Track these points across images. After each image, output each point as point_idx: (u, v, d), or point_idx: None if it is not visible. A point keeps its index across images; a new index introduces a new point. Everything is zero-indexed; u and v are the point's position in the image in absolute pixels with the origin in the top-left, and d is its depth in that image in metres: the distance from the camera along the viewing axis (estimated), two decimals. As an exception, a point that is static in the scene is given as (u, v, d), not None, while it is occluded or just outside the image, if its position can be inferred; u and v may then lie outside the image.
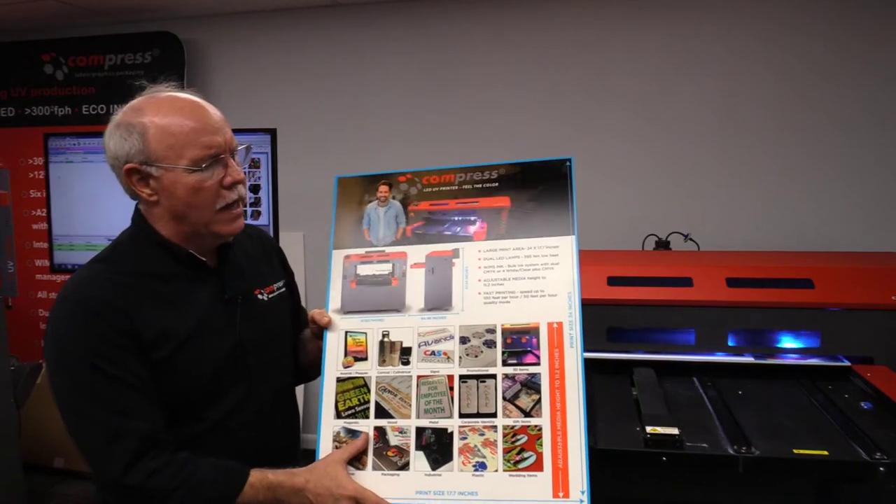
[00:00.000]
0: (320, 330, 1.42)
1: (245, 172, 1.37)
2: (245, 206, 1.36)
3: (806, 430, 1.63)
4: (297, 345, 1.55)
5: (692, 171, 3.45)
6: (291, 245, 3.87)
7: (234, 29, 4.04)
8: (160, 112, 1.27)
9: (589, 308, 2.14)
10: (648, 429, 1.57)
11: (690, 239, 3.23)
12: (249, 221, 3.42)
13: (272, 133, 3.38)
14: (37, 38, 4.25)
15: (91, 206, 3.86)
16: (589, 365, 2.06)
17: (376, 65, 3.84)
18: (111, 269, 1.30)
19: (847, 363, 1.99)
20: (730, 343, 2.09)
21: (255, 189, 3.46)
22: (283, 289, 1.52)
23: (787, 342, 2.08)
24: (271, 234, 3.27)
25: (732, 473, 1.48)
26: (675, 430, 1.55)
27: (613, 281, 2.20)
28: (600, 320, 2.15)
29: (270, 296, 1.45)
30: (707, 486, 1.65)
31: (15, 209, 3.93)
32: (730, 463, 1.48)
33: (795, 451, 1.49)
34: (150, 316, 1.25)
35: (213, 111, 1.31)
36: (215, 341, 1.32)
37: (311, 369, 1.47)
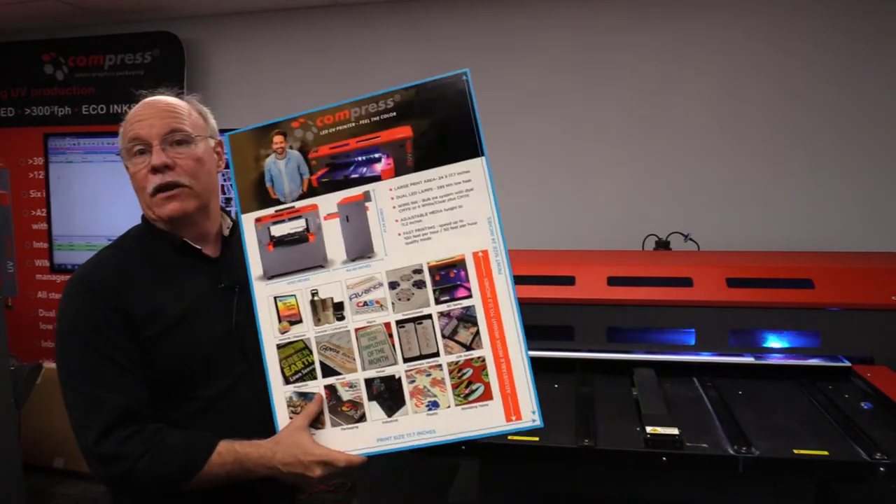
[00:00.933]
0: None
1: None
2: (195, 189, 1.38)
3: (806, 430, 1.63)
4: None
5: (692, 171, 3.45)
6: (291, 245, 3.87)
7: (234, 29, 4.04)
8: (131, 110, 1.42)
9: (589, 308, 2.17)
10: (648, 429, 1.57)
11: (690, 239, 3.23)
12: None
13: (272, 133, 3.38)
14: (37, 38, 4.25)
15: (91, 206, 3.87)
16: (589, 365, 2.07)
17: (376, 65, 3.84)
18: (118, 253, 1.41)
19: (847, 363, 1.99)
20: (730, 343, 2.09)
21: (255, 189, 3.47)
22: None
23: (787, 342, 2.09)
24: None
25: (732, 473, 1.49)
26: (675, 430, 1.55)
27: (613, 281, 2.20)
28: (600, 320, 2.16)
29: None
30: (707, 486, 1.65)
31: (15, 209, 3.93)
32: (730, 463, 1.48)
33: (795, 451, 1.49)
34: (145, 297, 1.34)
35: (153, 104, 1.39)
36: (207, 325, 1.37)
37: None
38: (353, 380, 1.31)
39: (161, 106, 1.39)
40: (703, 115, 3.42)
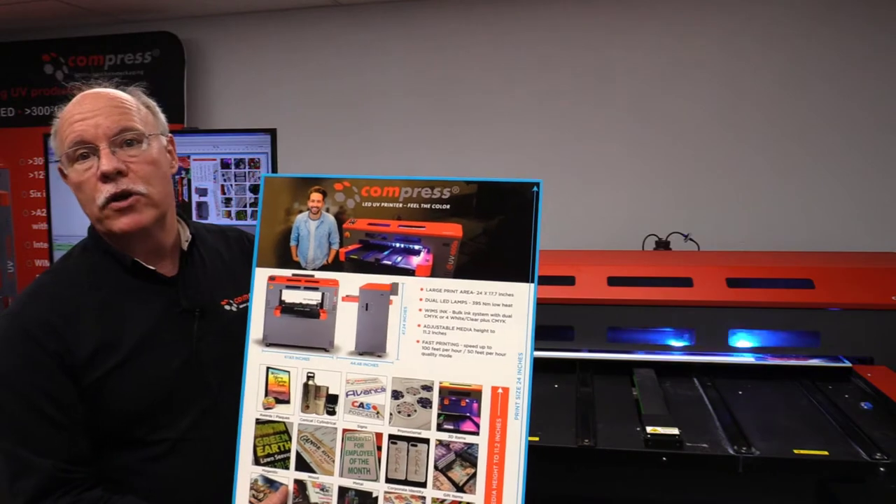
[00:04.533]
0: None
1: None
2: (152, 197, 1.22)
3: (806, 430, 1.63)
4: None
5: (692, 171, 3.45)
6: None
7: (234, 29, 4.04)
8: (66, 106, 1.23)
9: (589, 308, 2.17)
10: (648, 429, 1.57)
11: (690, 239, 3.23)
12: (250, 222, 3.44)
13: (272, 133, 3.39)
14: (37, 38, 4.25)
15: (91, 206, 3.86)
16: (589, 365, 2.07)
17: (376, 65, 3.84)
18: (57, 280, 1.25)
19: (848, 364, 1.99)
20: (730, 343, 2.09)
21: (254, 189, 3.46)
22: None
23: (787, 342, 2.08)
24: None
25: (732, 473, 1.49)
26: (675, 430, 1.55)
27: (613, 281, 2.20)
28: (600, 320, 2.16)
29: (241, 305, 1.32)
30: (707, 486, 1.65)
31: (15, 209, 3.93)
32: (730, 463, 1.48)
33: (795, 451, 1.50)
34: (88, 332, 1.18)
35: (97, 98, 1.21)
36: (164, 356, 1.22)
37: None
38: (327, 483, 1.19)
39: (106, 101, 1.20)
40: (704, 115, 3.42)
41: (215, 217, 3.47)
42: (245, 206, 3.54)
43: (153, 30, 4.07)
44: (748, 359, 2.06)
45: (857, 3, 3.22)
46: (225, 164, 3.43)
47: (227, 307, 1.31)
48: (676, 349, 2.11)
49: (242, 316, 1.28)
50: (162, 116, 1.31)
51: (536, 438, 1.49)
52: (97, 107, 1.19)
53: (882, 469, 1.42)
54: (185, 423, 1.22)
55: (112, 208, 1.19)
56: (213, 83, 4.09)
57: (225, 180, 3.46)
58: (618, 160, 3.53)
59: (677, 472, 1.55)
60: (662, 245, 3.21)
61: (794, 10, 3.29)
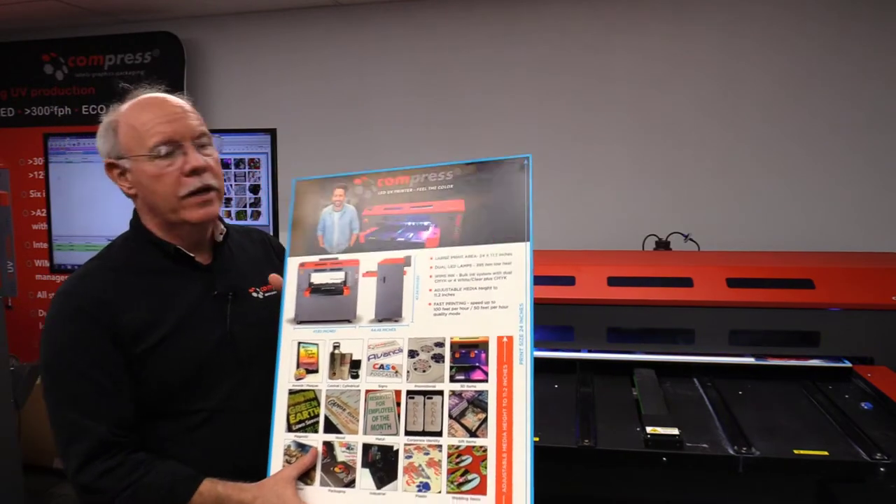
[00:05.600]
0: None
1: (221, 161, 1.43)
2: (221, 192, 1.40)
3: (806, 430, 1.63)
4: None
5: (692, 171, 3.45)
6: (291, 245, 3.86)
7: (234, 29, 4.04)
8: (129, 108, 1.37)
9: (589, 308, 2.18)
10: (648, 429, 1.57)
11: (690, 239, 3.23)
12: (250, 222, 3.44)
13: (272, 133, 3.39)
14: (37, 38, 4.25)
15: (91, 207, 3.86)
16: (589, 365, 2.07)
17: (377, 65, 3.84)
18: (104, 264, 1.38)
19: (848, 364, 1.99)
20: (730, 343, 2.09)
21: (254, 189, 3.47)
22: None
23: (787, 342, 2.08)
24: (271, 234, 3.27)
25: (732, 473, 1.49)
26: (675, 430, 1.55)
27: (613, 281, 2.20)
28: (600, 320, 2.16)
29: (267, 294, 1.47)
30: (707, 486, 1.65)
31: (15, 209, 3.93)
32: (730, 463, 1.48)
33: (795, 451, 1.50)
34: (135, 309, 1.32)
35: (175, 103, 1.38)
36: (201, 334, 1.36)
37: None
38: (352, 441, 1.29)
39: (182, 106, 1.38)
40: (703, 115, 3.43)
41: (215, 217, 3.46)
42: (245, 206, 3.54)
43: (153, 30, 4.07)
44: (748, 359, 2.06)
45: (857, 3, 3.22)
46: (225, 164, 3.43)
47: (255, 294, 1.46)
48: (676, 349, 2.11)
49: (267, 303, 1.44)
50: None
51: (537, 439, 1.49)
52: (177, 111, 1.36)
53: (882, 469, 1.42)
54: (220, 395, 1.36)
55: (193, 201, 1.35)
56: (213, 83, 4.09)
57: (225, 180, 3.46)
58: (618, 160, 3.53)
59: (677, 472, 1.55)
60: (662, 245, 3.21)
61: (794, 10, 3.29)
